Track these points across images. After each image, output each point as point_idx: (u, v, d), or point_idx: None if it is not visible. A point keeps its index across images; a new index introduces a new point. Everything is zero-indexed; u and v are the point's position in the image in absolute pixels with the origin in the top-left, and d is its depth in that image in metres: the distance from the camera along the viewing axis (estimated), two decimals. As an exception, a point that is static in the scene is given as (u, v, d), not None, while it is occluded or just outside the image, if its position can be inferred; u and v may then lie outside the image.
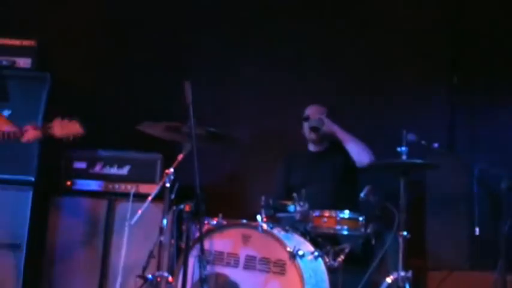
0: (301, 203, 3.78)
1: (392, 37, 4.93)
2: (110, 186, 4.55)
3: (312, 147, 4.49)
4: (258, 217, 3.67)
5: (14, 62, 4.66)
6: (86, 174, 4.58)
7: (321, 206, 3.83)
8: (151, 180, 4.50)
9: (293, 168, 4.46)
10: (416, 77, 4.88)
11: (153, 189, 4.07)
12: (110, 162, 4.59)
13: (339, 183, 4.29)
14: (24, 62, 4.68)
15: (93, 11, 5.19)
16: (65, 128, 3.14)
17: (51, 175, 4.57)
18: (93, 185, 4.57)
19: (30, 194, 4.42)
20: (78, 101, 4.92)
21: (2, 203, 4.39)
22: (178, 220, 3.73)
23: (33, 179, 4.45)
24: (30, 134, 3.17)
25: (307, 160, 4.46)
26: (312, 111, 4.44)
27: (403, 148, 3.75)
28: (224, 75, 5.10)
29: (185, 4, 5.17)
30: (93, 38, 5.18)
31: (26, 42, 4.70)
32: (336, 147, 4.37)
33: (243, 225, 3.69)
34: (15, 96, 4.53)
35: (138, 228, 4.04)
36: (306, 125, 4.42)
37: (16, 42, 4.68)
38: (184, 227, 3.67)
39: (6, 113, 4.49)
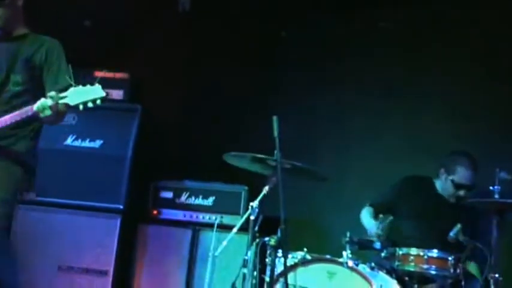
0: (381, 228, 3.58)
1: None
2: (195, 216, 4.54)
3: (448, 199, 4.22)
4: (344, 253, 3.54)
5: (107, 94, 4.71)
6: (171, 204, 4.59)
7: (429, 245, 3.68)
8: (235, 212, 4.46)
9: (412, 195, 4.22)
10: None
11: (237, 221, 4.05)
12: (195, 193, 4.58)
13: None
14: (116, 94, 4.76)
15: (181, 46, 5.25)
16: (84, 95, 3.03)
17: (139, 204, 4.60)
18: (179, 215, 4.57)
19: (119, 221, 4.46)
20: (166, 132, 4.98)
21: (91, 230, 4.45)
22: (262, 253, 3.63)
23: (121, 207, 4.49)
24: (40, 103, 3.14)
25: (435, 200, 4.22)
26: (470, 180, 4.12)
27: (496, 187, 3.53)
28: (310, 110, 5.02)
29: (271, 40, 5.16)
30: (182, 71, 5.23)
31: (118, 75, 4.79)
32: None
33: (328, 260, 3.59)
34: (107, 126, 4.62)
35: (222, 258, 3.97)
36: (452, 185, 4.14)
37: (110, 74, 4.77)
38: (267, 260, 3.58)
39: (98, 143, 4.58)
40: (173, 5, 5.24)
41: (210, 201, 4.55)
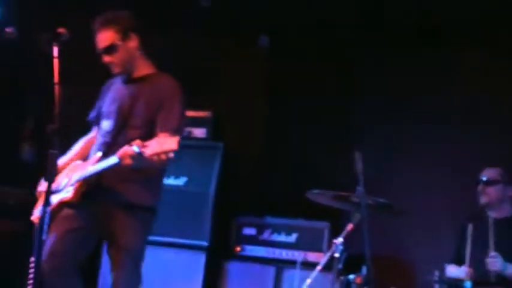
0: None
1: None
2: (278, 253, 4.43)
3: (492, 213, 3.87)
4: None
5: (190, 132, 4.72)
6: (254, 241, 4.52)
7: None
8: (318, 249, 4.31)
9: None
10: None
11: (320, 258, 3.98)
12: (278, 230, 4.49)
13: None
14: (200, 132, 4.76)
15: (260, 83, 5.23)
16: (160, 146, 2.72)
17: (222, 240, 4.55)
18: (261, 251, 4.48)
19: (203, 258, 4.42)
20: (248, 169, 4.95)
21: (178, 266, 4.42)
22: (347, 291, 3.42)
23: (206, 243, 4.45)
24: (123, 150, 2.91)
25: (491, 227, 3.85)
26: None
27: None
28: (391, 144, 4.82)
29: (348, 71, 5.02)
30: (262, 109, 5.21)
31: (201, 114, 4.79)
32: None
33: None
34: (191, 164, 4.60)
35: (305, 296, 3.76)
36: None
37: (192, 113, 4.73)
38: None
39: (183, 180, 4.55)
40: (252, 44, 5.20)
41: (293, 238, 4.44)
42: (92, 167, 3.06)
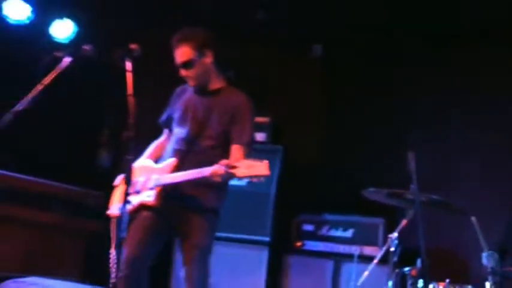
0: None
1: None
2: (336, 247, 4.56)
3: None
4: (487, 284, 3.39)
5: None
6: (313, 236, 4.65)
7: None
8: (374, 243, 4.44)
9: None
10: None
11: (376, 252, 4.09)
12: (335, 226, 4.61)
13: None
14: (260, 136, 4.90)
15: (315, 90, 5.37)
16: (250, 170, 2.91)
17: (283, 236, 4.69)
18: (320, 246, 4.62)
19: (266, 252, 4.57)
20: (306, 169, 5.08)
21: (243, 260, 4.59)
22: (402, 283, 3.54)
23: (268, 239, 4.61)
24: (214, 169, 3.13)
25: None
26: None
27: None
28: (444, 142, 4.88)
29: (400, 73, 5.09)
30: (317, 113, 5.34)
31: (261, 119, 4.91)
32: None
33: (472, 291, 3.38)
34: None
35: (363, 288, 3.91)
36: None
37: (253, 119, 4.94)
38: (408, 291, 3.49)
39: (245, 181, 4.72)
40: (307, 53, 5.36)
41: (349, 233, 4.56)
42: (179, 175, 3.22)
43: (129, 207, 3.31)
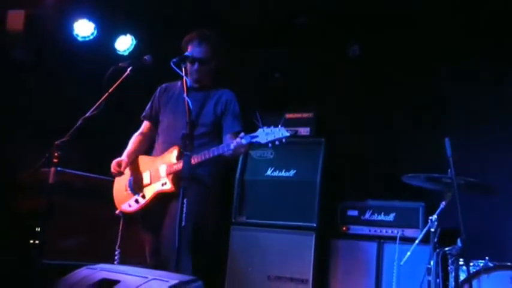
0: None
1: None
2: (379, 231, 4.59)
3: None
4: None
5: (296, 131, 4.98)
6: (358, 221, 4.70)
7: None
8: (415, 225, 4.45)
9: None
10: None
11: (417, 233, 4.17)
12: (378, 210, 4.65)
13: None
14: (304, 131, 4.99)
15: (353, 86, 5.37)
16: (271, 135, 3.17)
17: (329, 222, 4.76)
18: (364, 230, 4.66)
19: (314, 237, 4.64)
20: (347, 159, 5.13)
21: (292, 245, 4.66)
22: (443, 261, 3.57)
23: (315, 224, 4.68)
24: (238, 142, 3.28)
25: None
26: None
27: None
28: (482, 127, 4.80)
29: (440, 62, 5.03)
30: (355, 106, 5.34)
31: (305, 115, 5.03)
32: None
33: (511, 267, 3.38)
34: (298, 158, 4.87)
35: (406, 268, 3.98)
36: None
37: (297, 115, 5.06)
38: (449, 269, 3.51)
39: (292, 172, 4.83)
40: (346, 53, 5.42)
41: (391, 217, 4.59)
42: (199, 156, 3.34)
43: (141, 201, 3.52)
